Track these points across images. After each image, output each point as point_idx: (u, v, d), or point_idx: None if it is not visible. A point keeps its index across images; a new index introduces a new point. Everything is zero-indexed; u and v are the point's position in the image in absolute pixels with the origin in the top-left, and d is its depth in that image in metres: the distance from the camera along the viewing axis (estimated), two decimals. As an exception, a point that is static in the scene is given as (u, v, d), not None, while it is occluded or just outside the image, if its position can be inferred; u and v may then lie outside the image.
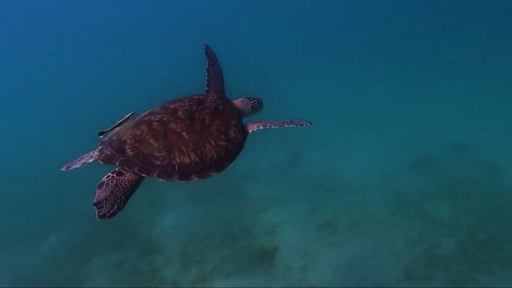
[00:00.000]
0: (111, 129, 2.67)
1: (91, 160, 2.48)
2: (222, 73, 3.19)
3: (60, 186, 10.50)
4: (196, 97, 2.76)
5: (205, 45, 3.17)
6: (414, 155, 9.61)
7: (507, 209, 7.01)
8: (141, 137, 2.43)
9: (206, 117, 2.59)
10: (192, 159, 2.41)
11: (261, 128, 2.77)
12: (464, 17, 21.08)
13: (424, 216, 7.20)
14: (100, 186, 2.26)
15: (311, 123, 2.74)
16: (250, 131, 2.78)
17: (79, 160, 2.52)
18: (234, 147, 2.60)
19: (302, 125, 2.75)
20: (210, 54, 3.15)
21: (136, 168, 2.33)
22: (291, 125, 2.75)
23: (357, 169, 9.45)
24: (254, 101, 3.12)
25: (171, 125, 2.48)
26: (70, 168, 2.48)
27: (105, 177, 2.32)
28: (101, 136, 2.62)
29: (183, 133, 2.46)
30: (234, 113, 2.78)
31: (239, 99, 3.12)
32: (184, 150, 2.42)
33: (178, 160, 2.39)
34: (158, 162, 2.36)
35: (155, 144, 2.40)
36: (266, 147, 11.35)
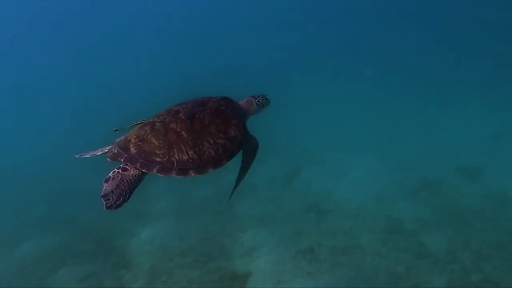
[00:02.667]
0: (126, 128, 2.89)
1: (99, 153, 2.75)
2: None
3: (57, 190, 10.45)
4: (200, 99, 2.91)
5: None
6: (417, 179, 8.89)
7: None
8: (144, 136, 2.63)
9: (206, 117, 2.71)
10: (190, 156, 2.59)
11: (243, 154, 2.86)
12: (482, 41, 19.95)
13: (416, 249, 6.53)
14: (106, 180, 2.50)
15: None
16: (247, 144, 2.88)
17: (90, 152, 2.83)
18: (233, 145, 2.75)
19: (231, 194, 2.86)
20: None
21: (138, 164, 2.55)
22: (235, 183, 2.83)
23: (354, 191, 8.84)
24: (259, 99, 3.22)
25: (172, 125, 2.64)
26: (82, 156, 2.82)
27: (111, 172, 2.55)
28: (117, 132, 2.87)
29: (183, 132, 2.62)
30: (236, 113, 2.89)
31: (244, 99, 3.22)
32: (183, 148, 2.59)
33: (177, 157, 2.58)
34: (158, 159, 2.56)
35: (156, 143, 2.59)
36: (265, 160, 10.89)
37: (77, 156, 2.83)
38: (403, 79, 15.57)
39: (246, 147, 2.90)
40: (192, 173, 2.61)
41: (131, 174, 2.56)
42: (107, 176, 2.53)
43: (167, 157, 2.57)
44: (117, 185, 2.47)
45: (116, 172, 2.56)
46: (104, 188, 2.45)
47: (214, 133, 2.69)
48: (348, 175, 9.65)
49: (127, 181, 2.52)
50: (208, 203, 9.04)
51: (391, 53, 19.01)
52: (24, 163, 12.47)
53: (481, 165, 9.07)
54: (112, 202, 2.39)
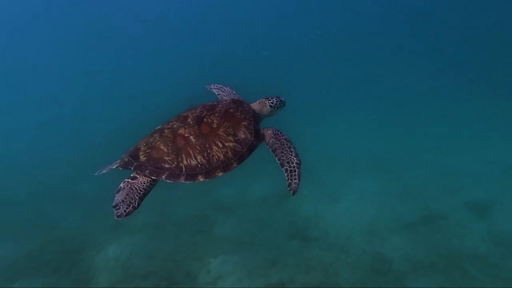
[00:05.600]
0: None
1: (114, 167, 2.74)
2: (231, 88, 3.51)
3: (45, 192, 10.28)
4: (210, 104, 2.92)
5: (206, 86, 3.58)
6: (419, 210, 8.01)
7: (512, 307, 5.33)
8: (153, 144, 2.67)
9: (215, 120, 2.71)
10: (199, 161, 2.60)
11: (270, 149, 2.86)
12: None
13: (399, 296, 5.73)
14: (118, 191, 2.57)
15: (293, 194, 2.68)
16: (265, 141, 2.89)
17: (107, 167, 2.83)
18: (244, 148, 2.71)
19: (289, 185, 2.71)
20: (214, 87, 3.52)
21: (147, 171, 2.59)
22: (285, 173, 2.76)
23: (347, 218, 8.07)
24: (272, 100, 3.19)
25: (180, 131, 2.66)
26: (100, 173, 2.81)
27: (122, 182, 2.62)
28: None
29: (191, 137, 2.63)
30: (246, 115, 2.86)
31: (257, 101, 3.19)
32: (191, 153, 2.60)
33: (185, 162, 2.59)
34: (167, 165, 2.58)
35: (165, 149, 2.62)
36: (261, 176, 10.30)
37: (96, 174, 2.83)
38: (417, 101, 14.40)
39: (271, 145, 2.87)
40: (201, 178, 2.59)
41: (141, 182, 2.60)
42: (118, 187, 2.59)
43: (175, 163, 2.58)
44: (127, 194, 2.53)
45: (126, 182, 2.62)
46: (115, 198, 2.52)
47: (222, 136, 2.67)
48: (344, 200, 8.88)
49: (136, 189, 2.56)
50: (190, 219, 8.56)
51: (406, 72, 17.82)
52: (16, 163, 12.31)
53: (493, 200, 8.05)
54: (122, 211, 2.44)
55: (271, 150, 2.85)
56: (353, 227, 7.70)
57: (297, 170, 2.74)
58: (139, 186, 2.58)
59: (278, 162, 2.81)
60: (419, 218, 7.77)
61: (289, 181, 2.71)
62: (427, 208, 8.05)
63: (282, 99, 3.25)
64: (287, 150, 2.83)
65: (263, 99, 3.21)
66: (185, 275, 6.58)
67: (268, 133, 2.90)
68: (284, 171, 2.76)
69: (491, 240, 6.87)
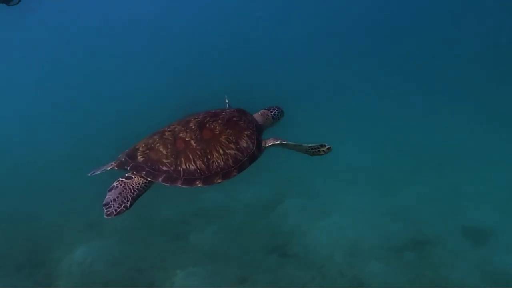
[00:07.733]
0: None
1: (109, 168, 2.67)
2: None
3: (32, 184, 10.11)
4: (213, 110, 2.89)
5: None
6: (409, 233, 7.42)
7: None
8: (152, 145, 2.61)
9: (217, 127, 2.67)
10: (198, 166, 2.54)
11: (277, 143, 2.80)
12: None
13: (370, 330, 5.20)
14: (110, 189, 2.49)
15: (330, 149, 2.85)
16: (266, 145, 2.83)
17: (101, 167, 2.73)
18: (245, 157, 2.66)
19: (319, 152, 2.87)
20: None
21: (144, 172, 2.52)
22: (309, 149, 2.84)
23: (331, 236, 7.56)
24: (274, 112, 3.17)
25: (181, 134, 2.62)
26: (94, 174, 2.71)
27: (115, 181, 2.54)
28: None
29: (192, 141, 2.58)
30: (249, 124, 2.83)
31: (259, 112, 3.16)
32: (191, 157, 2.55)
33: (184, 166, 2.53)
34: (164, 168, 2.53)
35: (164, 151, 2.56)
36: (254, 182, 9.87)
37: (89, 174, 2.74)
38: (420, 117, 13.61)
39: (279, 144, 2.85)
40: (199, 184, 2.54)
41: (135, 182, 2.52)
42: (111, 185, 2.51)
43: (174, 166, 2.52)
44: (120, 193, 2.45)
45: (120, 181, 2.53)
46: (106, 197, 2.44)
47: (224, 143, 2.63)
48: (333, 215, 8.32)
49: (130, 189, 2.48)
50: (168, 224, 8.22)
51: (408, 87, 17.00)
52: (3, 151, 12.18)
53: (493, 227, 7.38)
54: (113, 210, 2.36)
55: (282, 147, 2.85)
56: (336, 246, 7.18)
57: (315, 146, 2.85)
58: (133, 186, 2.50)
59: (295, 149, 2.87)
60: (409, 241, 7.18)
61: (317, 149, 2.85)
62: (419, 231, 7.44)
63: (282, 109, 3.22)
64: (297, 146, 2.84)
65: (265, 111, 3.17)
66: (147, 286, 6.23)
67: (269, 139, 2.90)
68: (309, 151, 2.88)
69: (482, 273, 6.24)
